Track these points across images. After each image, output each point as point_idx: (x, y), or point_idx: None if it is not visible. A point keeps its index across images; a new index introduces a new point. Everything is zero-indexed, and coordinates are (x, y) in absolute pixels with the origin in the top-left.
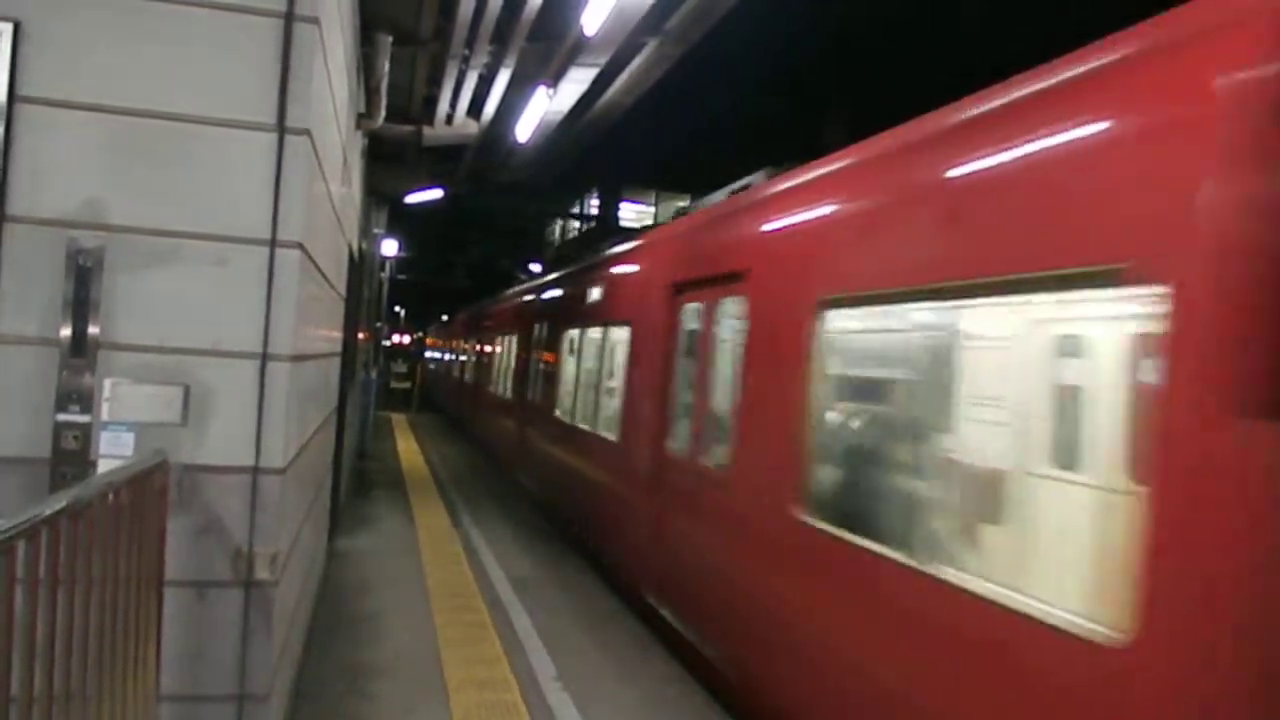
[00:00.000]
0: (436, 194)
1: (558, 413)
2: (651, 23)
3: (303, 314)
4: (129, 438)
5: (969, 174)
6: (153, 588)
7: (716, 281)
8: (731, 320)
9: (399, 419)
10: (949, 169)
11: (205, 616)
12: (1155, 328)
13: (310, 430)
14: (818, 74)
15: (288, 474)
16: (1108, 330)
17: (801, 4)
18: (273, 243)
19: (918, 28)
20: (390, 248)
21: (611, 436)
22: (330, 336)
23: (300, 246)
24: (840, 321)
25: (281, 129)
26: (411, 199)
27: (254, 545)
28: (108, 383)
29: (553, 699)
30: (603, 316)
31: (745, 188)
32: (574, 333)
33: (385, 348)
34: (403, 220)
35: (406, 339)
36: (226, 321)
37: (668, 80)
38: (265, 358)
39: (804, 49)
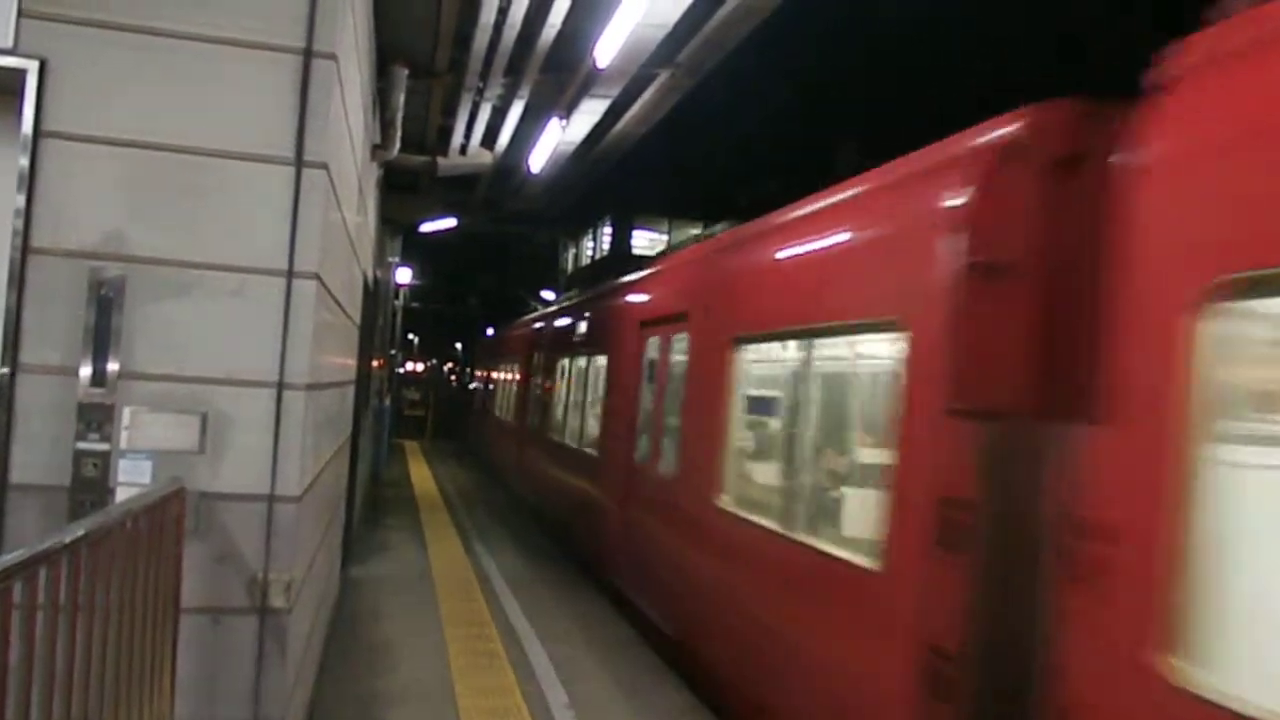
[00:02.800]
0: (450, 223)
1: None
2: (663, 55)
3: (318, 343)
4: (147, 465)
5: None
6: (169, 614)
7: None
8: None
9: (412, 446)
10: None
11: (220, 643)
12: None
13: (325, 458)
14: (829, 102)
15: (303, 502)
16: None
17: (812, 33)
18: (289, 273)
19: (928, 52)
20: (404, 276)
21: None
22: (345, 365)
23: (316, 277)
24: None
25: (299, 162)
26: (425, 228)
27: (269, 572)
28: (127, 411)
29: None
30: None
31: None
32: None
33: (399, 375)
34: (417, 248)
35: (420, 367)
36: (243, 351)
37: (680, 109)
38: (281, 386)
39: (815, 77)
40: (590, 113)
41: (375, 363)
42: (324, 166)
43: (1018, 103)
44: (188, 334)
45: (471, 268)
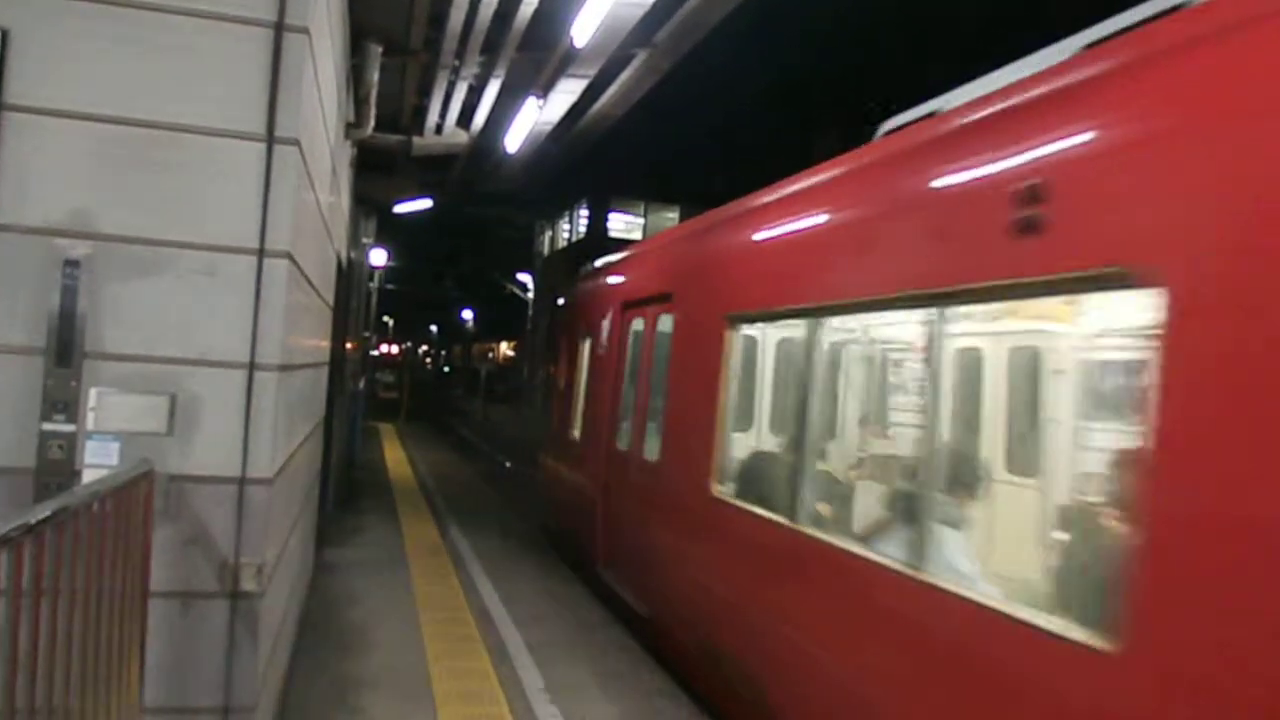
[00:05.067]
0: (426, 204)
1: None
2: (641, 35)
3: (290, 324)
4: (114, 447)
5: None
6: (137, 599)
7: None
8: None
9: (387, 428)
10: None
11: (190, 628)
12: None
13: (298, 440)
14: (807, 86)
15: (275, 484)
16: None
17: (790, 18)
18: (261, 252)
19: (908, 38)
20: (379, 257)
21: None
22: (318, 346)
23: (288, 256)
24: None
25: (270, 138)
26: (400, 208)
27: (240, 556)
28: (93, 392)
29: (540, 711)
30: None
31: None
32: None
33: (373, 357)
34: (392, 230)
35: (395, 349)
36: (214, 331)
37: (657, 92)
38: (253, 367)
39: (793, 62)
40: (567, 93)
41: (349, 345)
42: (296, 143)
43: None
44: (156, 313)
45: (447, 250)
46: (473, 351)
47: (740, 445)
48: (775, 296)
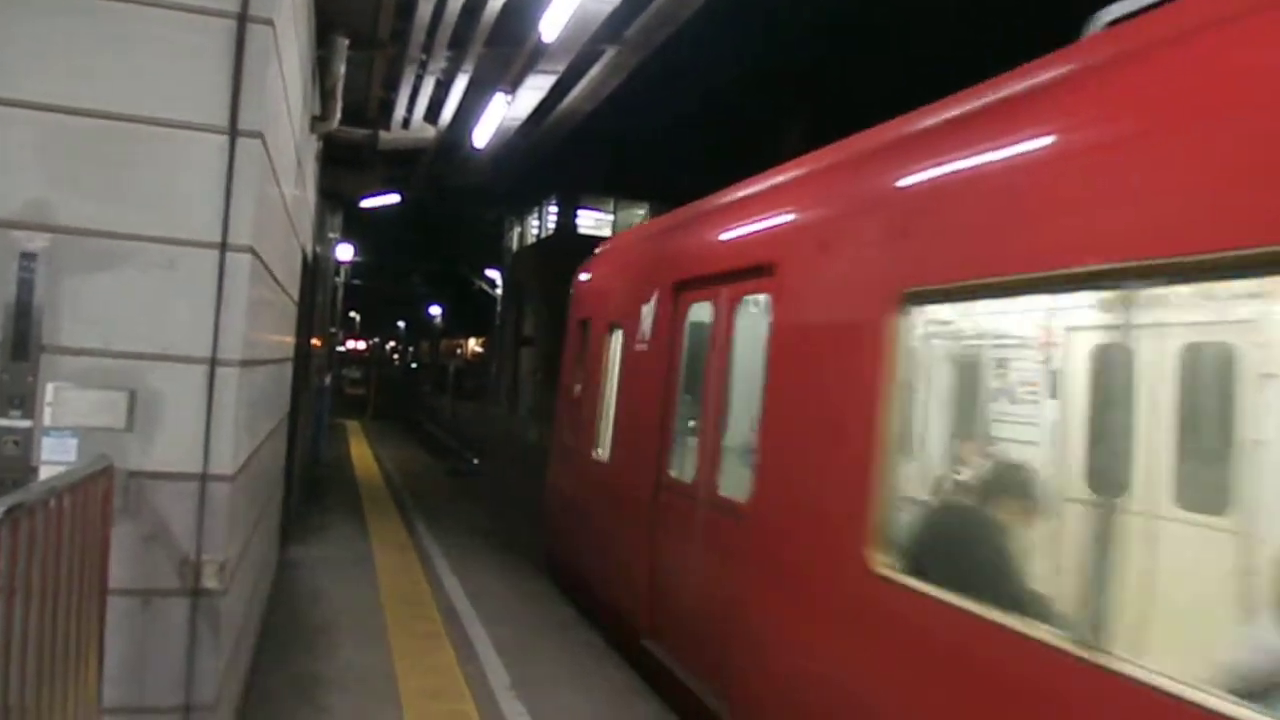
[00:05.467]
0: (393, 198)
1: None
2: (610, 30)
3: (253, 318)
4: (72, 443)
5: None
6: (95, 597)
7: None
8: None
9: (354, 425)
10: None
11: (150, 626)
12: None
13: (261, 437)
14: (777, 84)
15: (237, 481)
16: None
17: (760, 14)
18: (223, 246)
19: (877, 36)
20: (345, 252)
21: None
22: (282, 342)
23: (251, 250)
24: None
25: (234, 131)
26: (368, 203)
27: (202, 553)
28: (50, 387)
29: (507, 708)
30: None
31: None
32: None
33: (340, 353)
34: (359, 225)
35: (362, 344)
36: (175, 325)
37: (626, 89)
38: (214, 362)
39: (763, 59)
40: (536, 88)
41: (315, 341)
42: (259, 136)
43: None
44: (116, 307)
45: (415, 246)
46: (441, 348)
47: (928, 496)
48: (1041, 254)
